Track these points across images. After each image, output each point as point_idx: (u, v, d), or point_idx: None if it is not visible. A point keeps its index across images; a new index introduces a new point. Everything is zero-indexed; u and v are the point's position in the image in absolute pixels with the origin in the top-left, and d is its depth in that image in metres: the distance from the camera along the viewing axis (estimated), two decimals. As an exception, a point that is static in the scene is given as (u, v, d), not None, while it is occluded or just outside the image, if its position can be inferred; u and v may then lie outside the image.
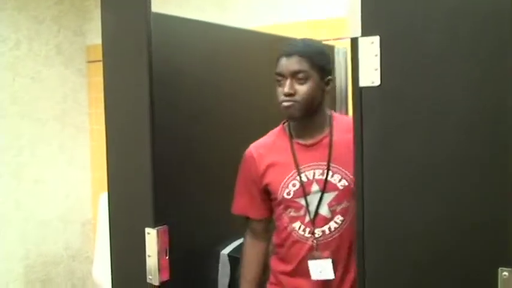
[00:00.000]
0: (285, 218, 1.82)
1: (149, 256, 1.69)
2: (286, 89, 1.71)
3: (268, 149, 1.86)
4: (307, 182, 1.78)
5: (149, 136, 1.71)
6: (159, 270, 1.68)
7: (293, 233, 1.81)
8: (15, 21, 3.29)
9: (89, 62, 3.76)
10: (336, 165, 1.77)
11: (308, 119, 1.78)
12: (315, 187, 1.77)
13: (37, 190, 3.38)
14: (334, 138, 1.79)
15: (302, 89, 1.72)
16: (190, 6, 3.26)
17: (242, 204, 1.92)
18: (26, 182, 3.31)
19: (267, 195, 1.87)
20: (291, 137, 1.84)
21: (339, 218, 1.77)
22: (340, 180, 1.77)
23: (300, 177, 1.78)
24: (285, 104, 1.73)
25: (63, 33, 3.63)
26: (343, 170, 1.76)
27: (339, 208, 1.77)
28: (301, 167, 1.79)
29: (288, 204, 1.80)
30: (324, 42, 2.68)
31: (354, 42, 1.33)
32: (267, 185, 1.83)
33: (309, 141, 1.81)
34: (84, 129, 3.75)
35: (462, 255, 1.25)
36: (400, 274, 1.30)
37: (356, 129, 1.32)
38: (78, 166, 3.71)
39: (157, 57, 1.73)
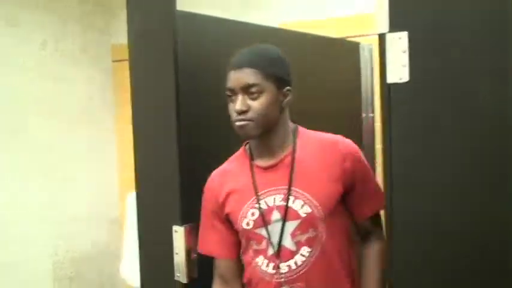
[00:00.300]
0: (250, 252, 1.62)
1: (177, 254, 1.70)
2: (238, 106, 1.51)
3: (228, 175, 1.66)
4: (267, 209, 1.56)
5: (176, 135, 1.72)
6: (187, 268, 1.69)
7: (256, 269, 1.60)
8: (41, 21, 3.33)
9: (115, 61, 3.79)
10: (297, 189, 1.54)
11: (267, 137, 1.58)
12: (276, 215, 1.55)
13: (66, 188, 3.42)
14: (297, 156, 1.58)
15: (256, 104, 1.51)
16: (217, 4, 3.27)
17: (208, 241, 1.69)
18: (54, 181, 3.35)
19: (232, 226, 1.65)
20: (251, 159, 1.64)
21: (305, 250, 1.54)
22: (302, 207, 1.53)
23: (259, 204, 1.57)
24: (238, 123, 1.53)
25: (89, 33, 3.66)
26: (306, 194, 1.53)
27: (303, 238, 1.54)
28: (260, 193, 1.57)
29: (249, 235, 1.60)
30: (349, 39, 2.67)
31: (382, 38, 1.31)
32: (227, 215, 1.64)
33: (269, 162, 1.60)
34: (110, 128, 3.78)
35: (493, 253, 1.23)
36: (430, 272, 1.29)
37: (384, 126, 1.31)
38: (105, 165, 3.75)
39: (183, 55, 1.74)
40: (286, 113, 1.62)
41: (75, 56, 3.55)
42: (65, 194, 3.41)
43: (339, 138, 1.63)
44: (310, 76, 2.26)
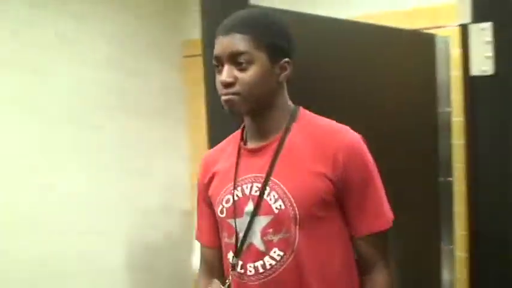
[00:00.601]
0: (223, 245, 1.46)
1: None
2: (223, 77, 1.31)
3: (219, 154, 1.51)
4: (242, 198, 1.37)
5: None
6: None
7: (228, 265, 1.42)
8: (112, 17, 3.42)
9: (185, 56, 3.84)
10: (276, 180, 1.33)
11: (258, 115, 1.38)
12: (250, 206, 1.35)
13: (140, 181, 3.52)
14: (288, 142, 1.36)
15: (244, 76, 1.31)
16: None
17: (198, 227, 1.57)
18: (129, 173, 3.45)
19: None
20: (242, 139, 1.46)
21: (275, 253, 1.31)
22: (276, 201, 1.31)
23: (235, 191, 1.38)
24: (224, 97, 1.34)
25: (160, 28, 3.73)
26: (283, 187, 1.31)
27: (276, 239, 1.31)
28: (240, 179, 1.39)
29: (222, 225, 1.43)
30: (423, 30, 2.59)
31: (464, 29, 1.27)
32: (210, 197, 1.49)
33: (257, 145, 1.40)
34: (182, 122, 3.85)
35: None
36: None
37: (467, 121, 1.27)
38: (178, 157, 3.82)
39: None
40: (284, 90, 1.41)
41: (147, 51, 3.63)
42: (139, 187, 3.50)
43: (343, 128, 1.38)
44: (384, 70, 2.22)
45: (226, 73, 1.31)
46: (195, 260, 3.06)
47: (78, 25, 3.23)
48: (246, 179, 1.38)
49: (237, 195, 1.37)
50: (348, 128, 1.37)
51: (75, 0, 3.22)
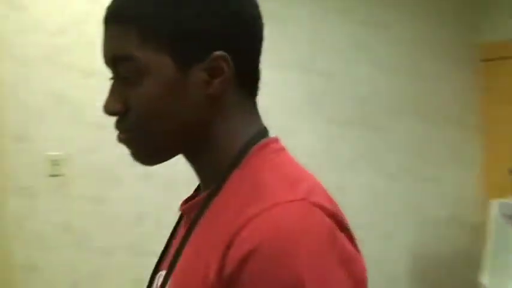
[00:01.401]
0: None
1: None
2: (104, 102, 0.75)
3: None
4: None
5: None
6: None
7: None
8: (407, 21, 3.40)
9: (483, 60, 3.59)
10: (174, 275, 0.75)
11: (190, 156, 0.80)
12: None
13: (428, 189, 3.45)
14: (218, 200, 0.74)
15: (134, 97, 0.73)
16: None
17: None
18: (417, 181, 3.40)
19: None
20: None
21: None
22: None
23: (156, 277, 0.84)
24: (118, 134, 0.77)
25: (456, 31, 3.57)
26: None
27: None
28: (166, 256, 0.84)
29: None
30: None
31: None
32: None
33: (189, 202, 0.82)
34: (476, 131, 3.63)
35: None
36: None
37: None
38: (468, 168, 3.64)
39: None
40: (228, 107, 0.76)
41: (439, 54, 3.52)
42: (425, 195, 3.43)
43: (280, 193, 0.68)
44: None
45: (108, 95, 0.76)
46: (484, 280, 2.85)
47: (376, 32, 3.30)
48: (167, 259, 0.82)
49: (155, 282, 0.84)
50: (293, 193, 0.68)
51: (376, 10, 3.30)
